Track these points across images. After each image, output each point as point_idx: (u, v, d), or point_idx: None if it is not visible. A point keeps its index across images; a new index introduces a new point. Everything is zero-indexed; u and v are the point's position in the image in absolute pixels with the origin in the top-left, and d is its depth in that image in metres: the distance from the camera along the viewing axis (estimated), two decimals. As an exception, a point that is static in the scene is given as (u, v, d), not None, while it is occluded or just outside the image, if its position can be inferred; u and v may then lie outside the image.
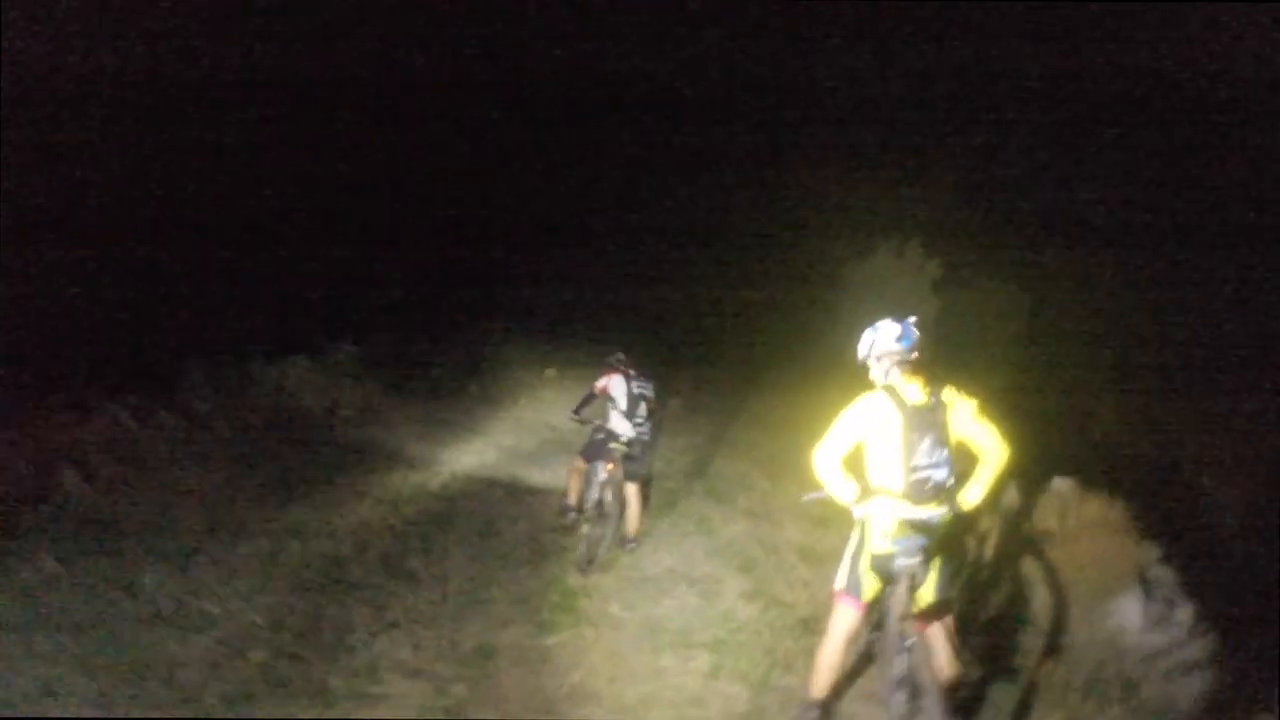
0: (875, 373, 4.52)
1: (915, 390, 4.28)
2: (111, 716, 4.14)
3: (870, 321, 4.62)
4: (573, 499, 7.79)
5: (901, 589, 4.25)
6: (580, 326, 15.81)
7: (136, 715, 4.47)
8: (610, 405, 7.48)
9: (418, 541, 7.31)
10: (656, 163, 19.07)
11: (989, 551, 6.59)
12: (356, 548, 7.05)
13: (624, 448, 7.27)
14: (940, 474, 4.20)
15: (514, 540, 7.60)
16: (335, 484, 8.58)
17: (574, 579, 6.82)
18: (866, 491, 4.39)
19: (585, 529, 7.28)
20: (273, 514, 7.56)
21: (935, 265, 13.63)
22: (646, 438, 7.55)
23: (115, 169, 11.61)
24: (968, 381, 4.38)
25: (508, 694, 5.12)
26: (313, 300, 14.12)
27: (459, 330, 15.79)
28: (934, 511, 4.24)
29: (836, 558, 6.61)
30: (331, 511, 7.80)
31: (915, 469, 4.18)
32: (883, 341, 4.45)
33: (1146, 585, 5.39)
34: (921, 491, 4.20)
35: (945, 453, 4.20)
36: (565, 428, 11.12)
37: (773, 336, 16.18)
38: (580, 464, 7.69)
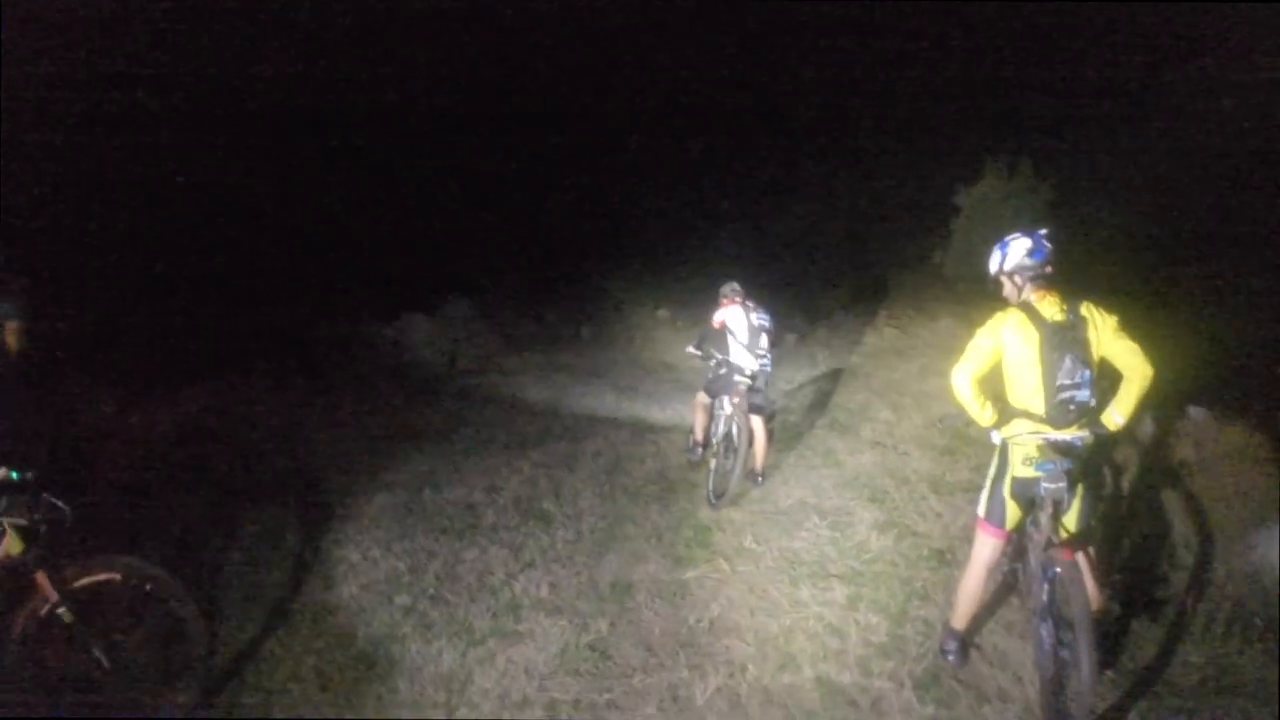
0: (1008, 290, 4.30)
1: (1052, 307, 4.05)
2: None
3: (990, 242, 4.41)
4: (699, 434, 7.71)
5: (1045, 516, 4.07)
6: (691, 266, 15.65)
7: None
8: (730, 338, 7.34)
9: (547, 484, 7.34)
10: (762, 94, 18.64)
11: (1126, 483, 6.31)
12: (488, 492, 7.11)
13: (747, 380, 7.13)
14: (1083, 395, 3.97)
15: (643, 478, 7.57)
16: (461, 433, 8.68)
17: (705, 514, 6.77)
18: (1006, 414, 4.20)
19: (713, 464, 7.19)
20: (404, 465, 7.68)
21: (1049, 186, 13.02)
22: (769, 369, 7.41)
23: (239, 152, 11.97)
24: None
25: (649, 628, 5.11)
26: (426, 259, 14.35)
27: (570, 278, 15.83)
28: (1078, 434, 4.04)
29: (967, 488, 6.51)
30: (460, 459, 7.90)
31: (1058, 389, 3.97)
32: (1014, 256, 4.22)
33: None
34: (1065, 413, 3.99)
35: (1088, 372, 3.97)
36: (682, 366, 11.09)
37: (884, 265, 15.78)
38: (704, 399, 7.59)
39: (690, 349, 7.72)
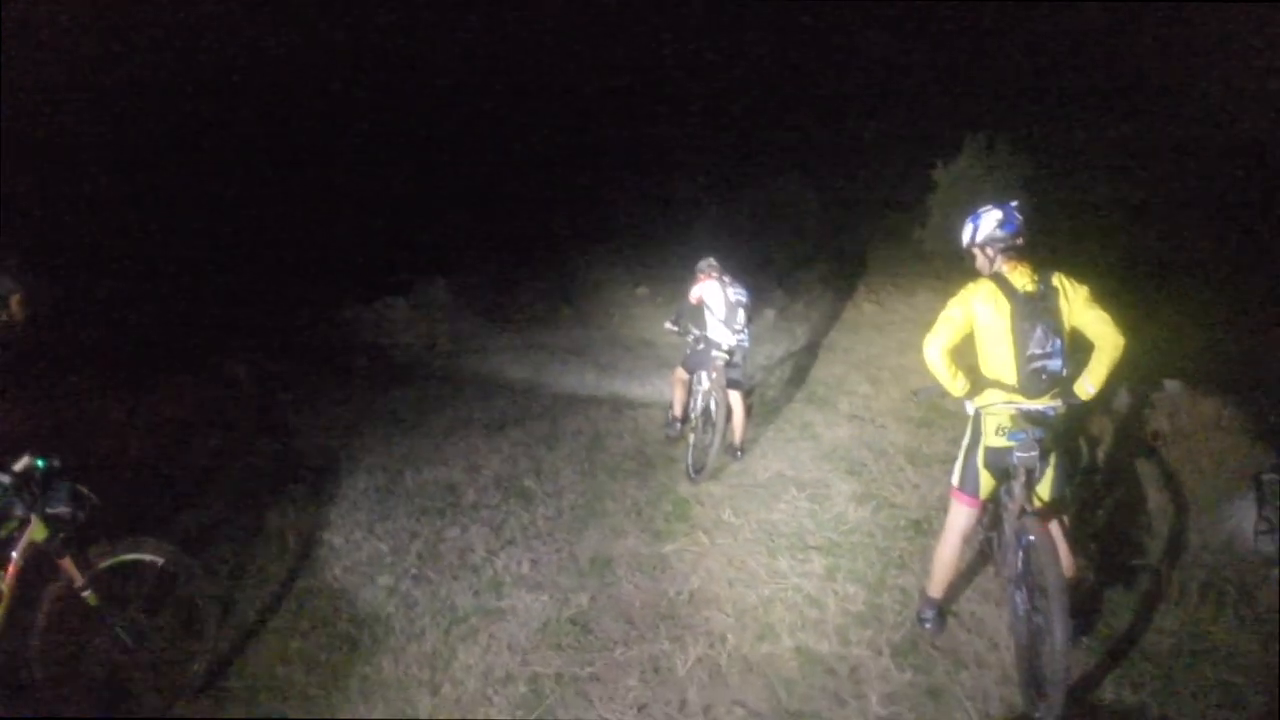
0: (980, 262, 4.36)
1: (1023, 278, 4.10)
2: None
3: (966, 214, 4.45)
4: (678, 410, 7.75)
5: (1018, 485, 4.13)
6: (669, 243, 15.63)
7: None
8: (707, 313, 7.37)
9: (528, 462, 7.37)
10: (735, 77, 18.62)
11: (1101, 453, 6.42)
12: (468, 472, 7.14)
13: (725, 355, 7.17)
14: (1054, 364, 4.04)
15: (622, 454, 7.60)
16: (441, 414, 8.68)
17: (684, 488, 6.83)
18: (979, 385, 4.27)
19: (692, 439, 7.25)
20: (384, 447, 7.70)
21: (1026, 161, 13.10)
22: (746, 344, 7.44)
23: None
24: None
25: (629, 601, 5.17)
26: (403, 242, 14.32)
27: (547, 257, 15.80)
28: (1050, 404, 4.11)
29: (943, 459, 6.60)
30: (440, 440, 7.91)
31: (1029, 359, 4.03)
32: (985, 228, 4.27)
33: (1261, 488, 5.13)
34: (1036, 382, 4.06)
35: (1059, 342, 4.03)
36: (661, 343, 11.12)
37: (863, 241, 15.85)
38: (682, 374, 7.62)
39: (668, 325, 7.74)
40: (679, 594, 5.22)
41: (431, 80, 16.31)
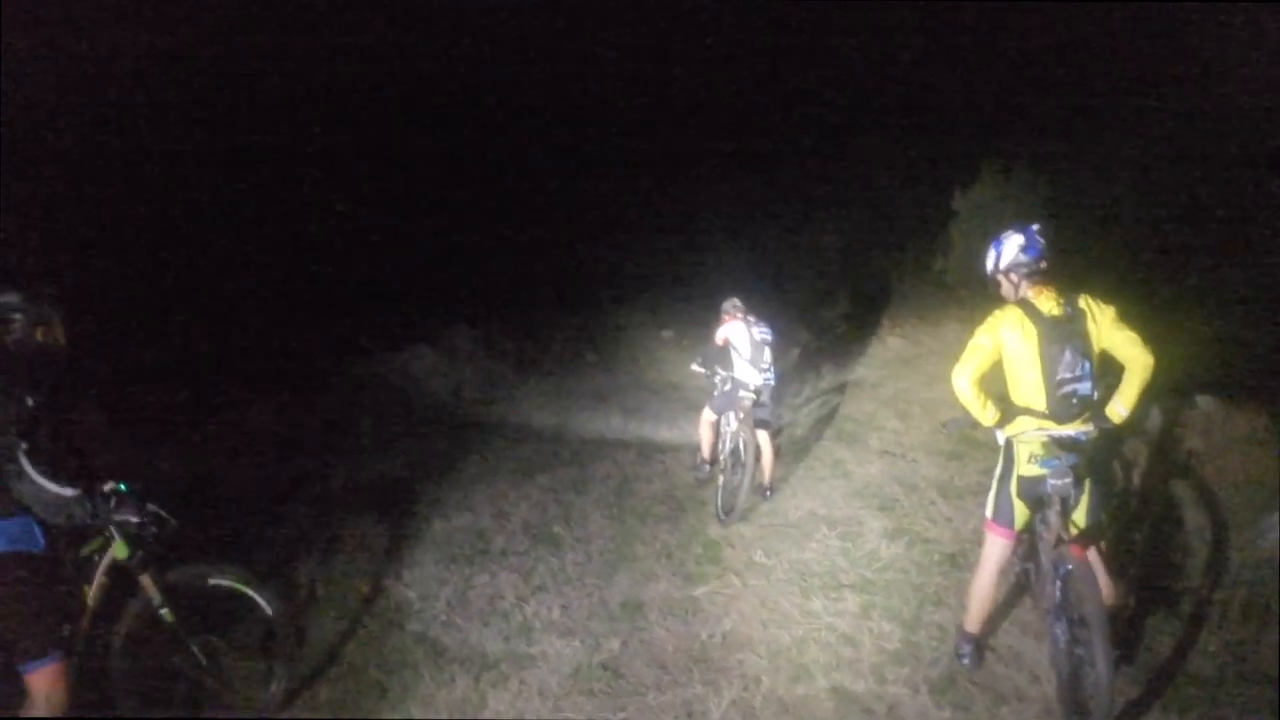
0: (1005, 289, 4.30)
1: (1049, 302, 4.04)
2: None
3: (988, 242, 4.41)
4: (706, 452, 7.72)
5: (1053, 513, 4.06)
6: (692, 285, 15.65)
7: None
8: (734, 354, 7.36)
9: (556, 508, 7.33)
10: (753, 114, 18.70)
11: (1136, 475, 6.31)
12: (497, 518, 7.11)
13: (752, 395, 7.15)
14: (1084, 388, 3.98)
15: (651, 498, 7.57)
16: (469, 461, 8.68)
17: (715, 530, 6.78)
18: (1009, 413, 4.19)
19: (721, 480, 7.20)
20: (412, 494, 7.68)
21: (1045, 183, 13.02)
22: (773, 384, 7.42)
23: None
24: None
25: (661, 646, 5.11)
26: (428, 290, 14.39)
27: (573, 304, 15.84)
28: (1082, 429, 4.03)
29: (976, 491, 6.50)
30: (469, 486, 7.89)
31: (1059, 384, 3.97)
32: (1008, 254, 4.23)
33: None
34: (1067, 408, 3.99)
35: (1088, 365, 3.97)
36: (688, 385, 11.09)
37: (885, 274, 15.80)
38: (710, 416, 7.61)
39: (695, 367, 7.76)
40: (711, 637, 5.14)
41: (456, 125, 16.46)
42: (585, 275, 16.76)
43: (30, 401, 3.38)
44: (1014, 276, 4.21)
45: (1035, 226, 4.25)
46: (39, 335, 3.68)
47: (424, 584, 5.96)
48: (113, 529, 3.78)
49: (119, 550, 3.81)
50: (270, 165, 13.03)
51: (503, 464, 8.60)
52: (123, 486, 3.77)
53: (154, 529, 3.82)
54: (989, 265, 4.34)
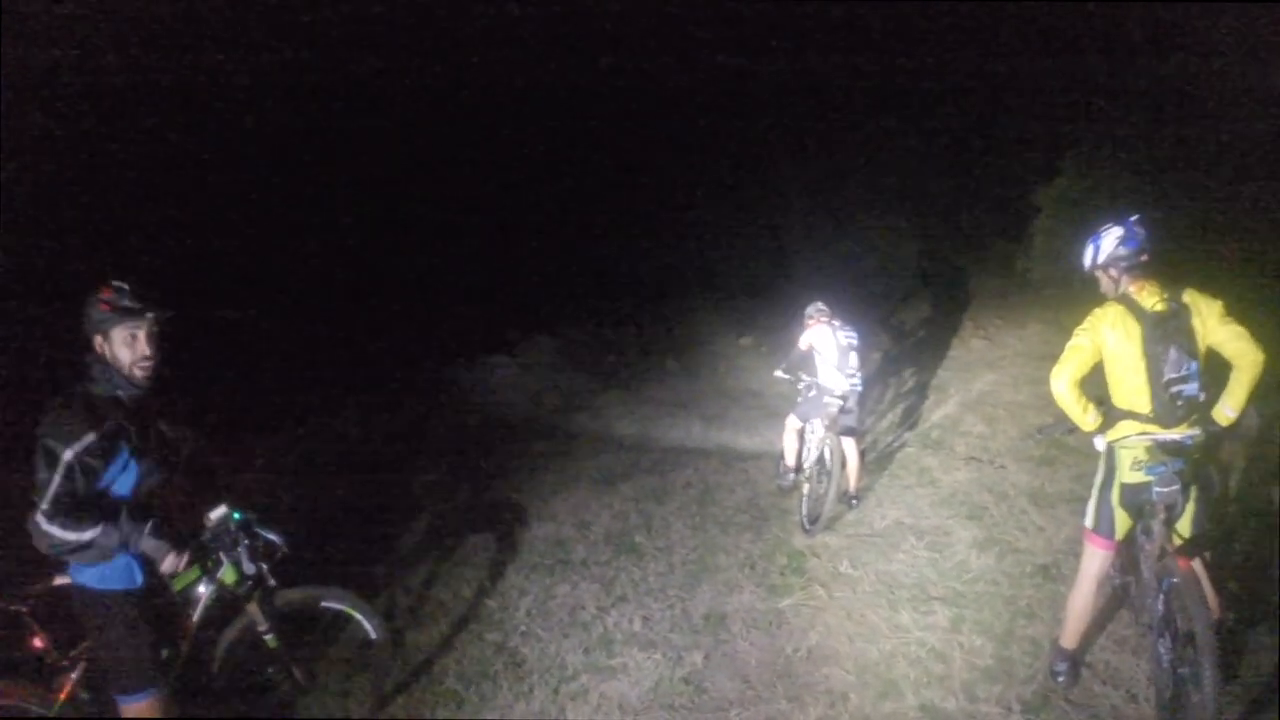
0: (1105, 285, 4.11)
1: (1152, 297, 3.85)
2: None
3: (1075, 240, 4.25)
4: (790, 459, 7.58)
5: (1157, 523, 3.86)
6: (771, 290, 15.54)
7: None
8: (818, 359, 7.24)
9: (638, 517, 7.29)
10: (830, 115, 18.44)
11: (1233, 480, 6.01)
12: (578, 527, 7.10)
13: (838, 401, 7.01)
14: (1191, 388, 3.77)
15: (734, 507, 7.47)
16: (549, 470, 8.69)
17: (799, 540, 6.65)
18: (1111, 417, 4.00)
19: (805, 489, 7.07)
20: (493, 504, 7.71)
21: (1130, 174, 12.52)
22: (859, 389, 7.28)
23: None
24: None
25: (744, 659, 5.01)
26: (507, 301, 14.52)
27: (651, 312, 15.84)
28: (1188, 433, 3.82)
29: (1070, 499, 6.28)
30: (550, 496, 7.89)
31: (1164, 385, 3.77)
32: (1107, 248, 4.03)
33: None
34: (1173, 410, 3.79)
35: (1194, 364, 3.76)
36: (768, 392, 10.99)
37: (966, 274, 15.46)
38: (795, 423, 7.48)
39: (779, 372, 7.64)
40: (796, 651, 5.03)
41: (535, 142, 16.58)
42: (664, 282, 16.76)
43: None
44: (1113, 271, 4.03)
45: (1134, 218, 4.06)
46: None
47: (504, 594, 5.97)
48: (222, 556, 3.75)
49: (227, 575, 3.77)
50: (358, 179, 13.25)
51: (584, 473, 8.59)
52: (236, 515, 3.76)
53: (265, 558, 3.82)
54: (1087, 261, 4.15)
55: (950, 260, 16.07)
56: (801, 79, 16.71)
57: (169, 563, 3.40)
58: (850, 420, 7.24)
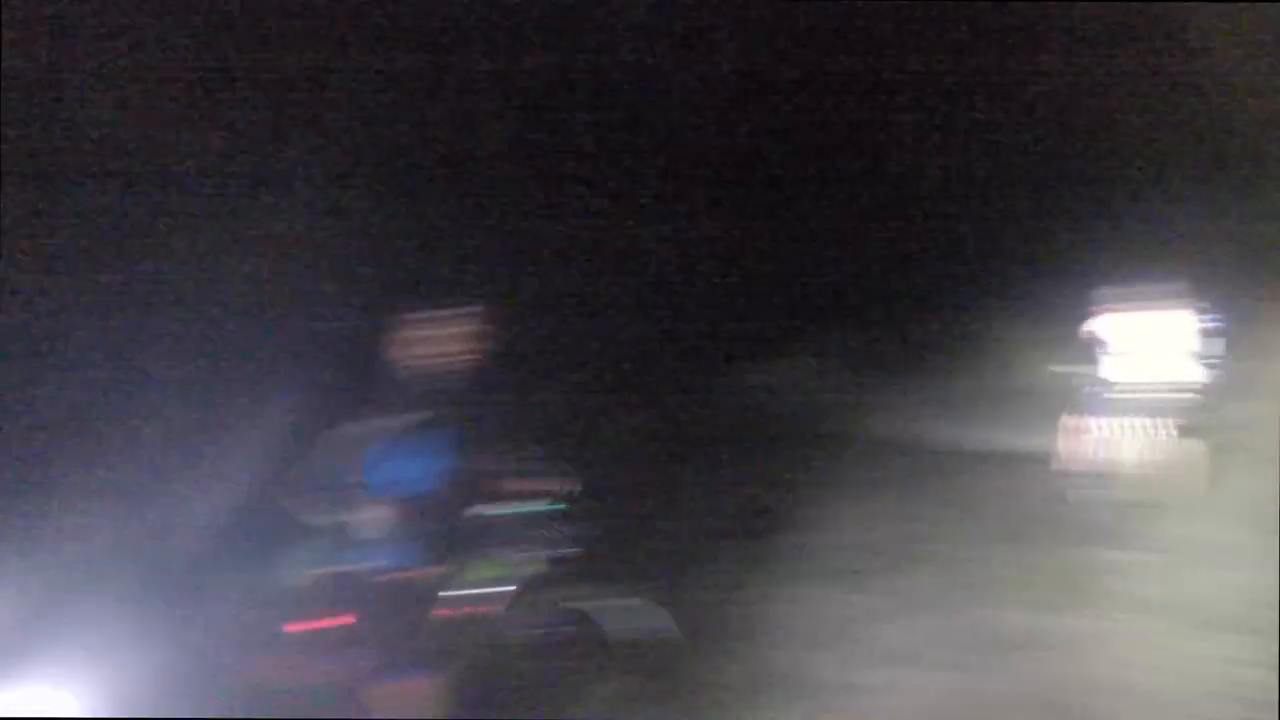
0: None
1: None
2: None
3: None
4: (1086, 465, 7.06)
5: None
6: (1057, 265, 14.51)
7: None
8: (1103, 351, 6.73)
9: (917, 526, 7.11)
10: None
11: None
12: (855, 535, 6.99)
13: (1138, 398, 6.48)
14: None
15: (1022, 516, 7.06)
16: (828, 474, 8.51)
17: (1093, 554, 6.23)
18: None
19: (1100, 497, 6.59)
20: (769, 509, 7.69)
21: None
22: (1196, 380, 6.67)
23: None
24: None
25: (1028, 684, 4.73)
26: (788, 297, 14.31)
27: (929, 304, 15.20)
28: None
29: None
30: (827, 501, 7.75)
31: None
32: None
33: None
34: None
35: None
36: (1059, 390, 10.31)
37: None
38: (1077, 423, 6.96)
39: (1060, 368, 7.15)
40: (1086, 677, 4.71)
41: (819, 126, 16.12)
42: (942, 271, 15.94)
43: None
44: None
45: None
46: None
47: (776, 602, 5.93)
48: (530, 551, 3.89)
49: (531, 568, 3.91)
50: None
51: (863, 477, 8.41)
52: (555, 506, 3.93)
53: (552, 552, 3.95)
54: None
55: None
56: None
57: None
58: (1159, 418, 6.64)
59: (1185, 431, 6.59)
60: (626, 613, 4.29)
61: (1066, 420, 7.09)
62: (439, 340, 3.78)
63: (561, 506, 4.07)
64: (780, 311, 13.44)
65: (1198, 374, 6.59)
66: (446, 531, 3.68)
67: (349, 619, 3.74)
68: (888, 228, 16.04)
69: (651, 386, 11.17)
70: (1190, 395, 6.55)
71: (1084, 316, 7.02)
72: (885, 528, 7.10)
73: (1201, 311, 6.62)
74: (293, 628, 3.79)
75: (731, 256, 14.03)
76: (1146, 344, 6.61)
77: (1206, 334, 6.59)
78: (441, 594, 3.87)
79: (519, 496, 4.01)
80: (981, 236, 16.48)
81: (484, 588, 3.93)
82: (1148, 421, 6.66)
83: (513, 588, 3.96)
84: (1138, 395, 6.50)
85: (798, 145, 15.24)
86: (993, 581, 5.96)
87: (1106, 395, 6.61)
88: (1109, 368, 6.67)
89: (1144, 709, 4.37)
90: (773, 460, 9.20)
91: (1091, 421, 6.87)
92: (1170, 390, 6.45)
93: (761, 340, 12.79)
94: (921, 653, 5.16)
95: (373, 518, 3.56)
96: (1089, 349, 6.91)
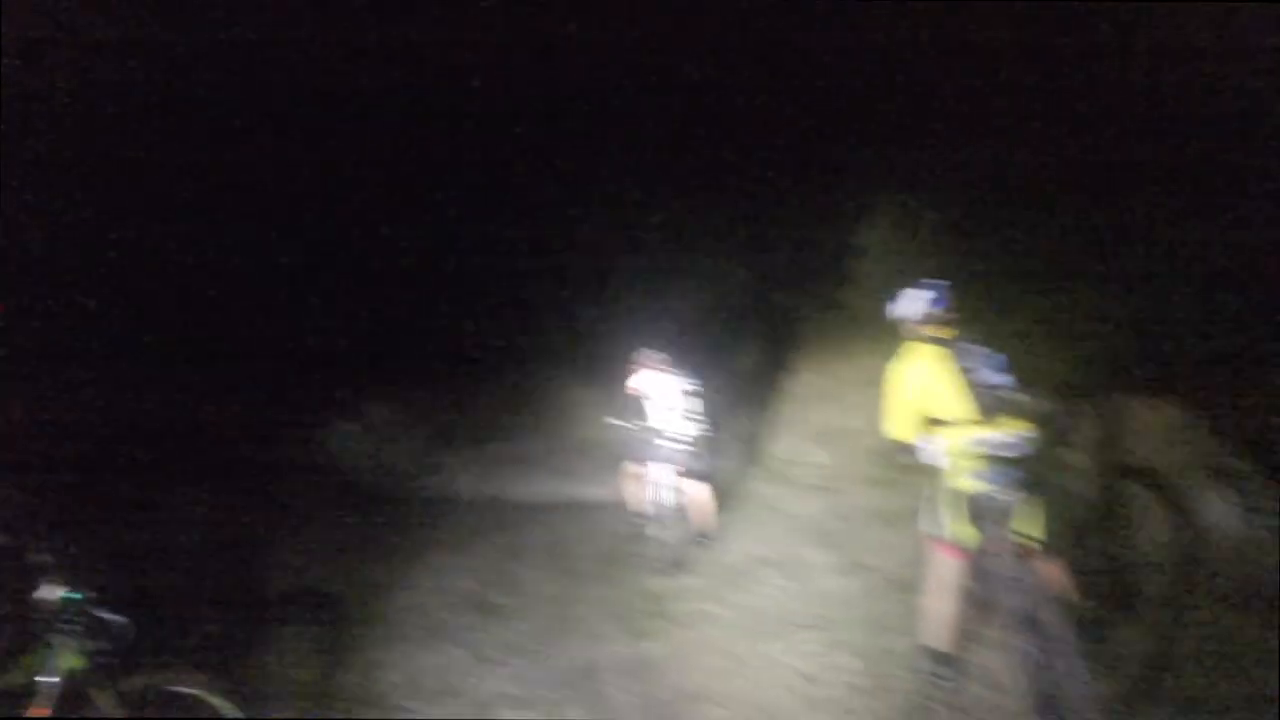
0: (912, 329, 4.48)
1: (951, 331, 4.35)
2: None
3: (893, 283, 4.64)
4: (635, 505, 7.58)
5: (1000, 526, 4.11)
6: (608, 337, 15.56)
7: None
8: (648, 403, 7.32)
9: (496, 576, 7.16)
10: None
11: (1077, 478, 6.36)
12: (438, 593, 6.91)
13: (677, 444, 7.09)
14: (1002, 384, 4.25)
15: (589, 557, 7.49)
16: (403, 536, 8.40)
17: (658, 584, 6.69)
18: (941, 430, 4.30)
19: (657, 532, 7.09)
20: (347, 577, 7.39)
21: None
22: (699, 431, 7.36)
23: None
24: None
25: (622, 707, 4.96)
26: (341, 360, 13.86)
27: (492, 369, 15.58)
28: (1014, 434, 4.08)
29: (914, 515, 6.50)
30: (405, 564, 7.63)
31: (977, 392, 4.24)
32: (912, 306, 4.45)
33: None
34: (991, 410, 4.19)
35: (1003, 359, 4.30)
36: (614, 441, 10.99)
37: (794, 309, 15.85)
38: (632, 468, 7.50)
39: (613, 419, 7.65)
40: (672, 694, 5.03)
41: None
42: (509, 338, 16.43)
43: None
44: (917, 323, 4.43)
45: (945, 283, 4.43)
46: None
47: (369, 668, 5.73)
48: (55, 640, 3.50)
49: (71, 661, 3.51)
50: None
51: (436, 537, 8.36)
52: (72, 595, 3.53)
53: (107, 639, 3.58)
54: (899, 312, 4.49)
55: (780, 296, 16.41)
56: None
57: None
58: (700, 463, 7.32)
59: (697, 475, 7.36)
60: (194, 704, 4.00)
61: (626, 467, 7.56)
62: None
63: (91, 594, 3.66)
64: (347, 376, 13.00)
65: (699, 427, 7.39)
66: None
67: None
68: (450, 299, 16.18)
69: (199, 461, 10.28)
70: (695, 443, 7.32)
71: (626, 375, 7.57)
72: (468, 582, 7.08)
73: (692, 376, 7.45)
74: None
75: (273, 319, 13.35)
76: (669, 400, 7.27)
77: (695, 394, 7.41)
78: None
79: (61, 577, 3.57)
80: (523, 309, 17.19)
81: (50, 679, 3.49)
82: (679, 465, 7.31)
83: (56, 680, 3.52)
84: (674, 443, 7.11)
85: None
86: (576, 619, 6.17)
87: (651, 442, 7.17)
88: (657, 418, 7.24)
89: (733, 711, 4.74)
90: (345, 525, 8.84)
91: (641, 465, 7.39)
92: (681, 439, 7.16)
93: (327, 405, 12.28)
94: (521, 695, 5.21)
95: None
96: (635, 402, 7.46)
